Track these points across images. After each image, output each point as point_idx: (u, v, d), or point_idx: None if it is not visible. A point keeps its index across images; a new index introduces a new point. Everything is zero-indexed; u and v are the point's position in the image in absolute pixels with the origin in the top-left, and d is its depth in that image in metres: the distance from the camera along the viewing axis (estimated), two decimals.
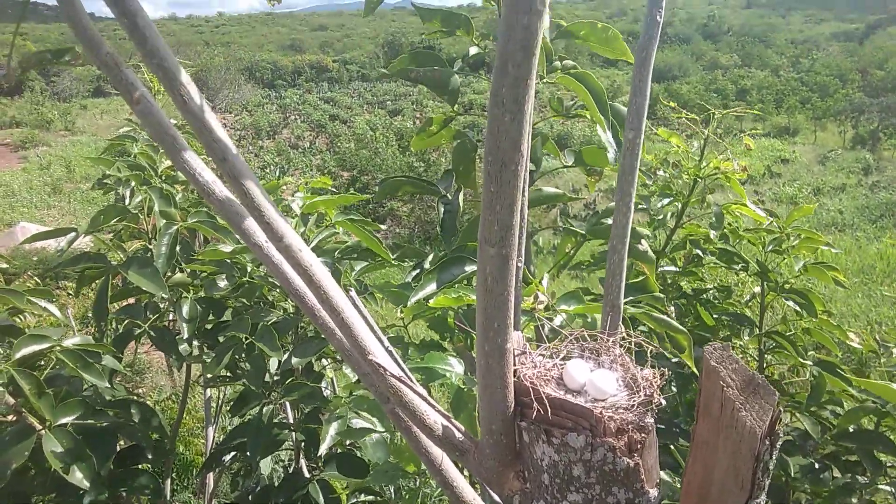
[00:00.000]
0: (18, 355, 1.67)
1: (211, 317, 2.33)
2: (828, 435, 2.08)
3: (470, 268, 1.43)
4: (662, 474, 1.94)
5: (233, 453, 2.32)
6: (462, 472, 1.04)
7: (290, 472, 2.38)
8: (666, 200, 2.40)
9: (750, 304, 2.80)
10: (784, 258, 2.37)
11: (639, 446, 0.81)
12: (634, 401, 0.83)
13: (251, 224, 0.82)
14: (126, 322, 2.25)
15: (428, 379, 1.35)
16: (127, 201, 2.39)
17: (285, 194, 2.73)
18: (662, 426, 2.15)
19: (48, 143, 20.81)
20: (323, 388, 2.37)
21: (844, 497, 1.96)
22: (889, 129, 23.16)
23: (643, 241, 1.72)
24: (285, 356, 2.04)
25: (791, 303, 2.33)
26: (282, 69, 43.39)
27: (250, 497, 2.37)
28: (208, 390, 3.50)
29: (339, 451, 2.43)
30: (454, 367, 1.38)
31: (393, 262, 2.10)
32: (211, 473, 3.19)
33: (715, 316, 2.45)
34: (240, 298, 2.31)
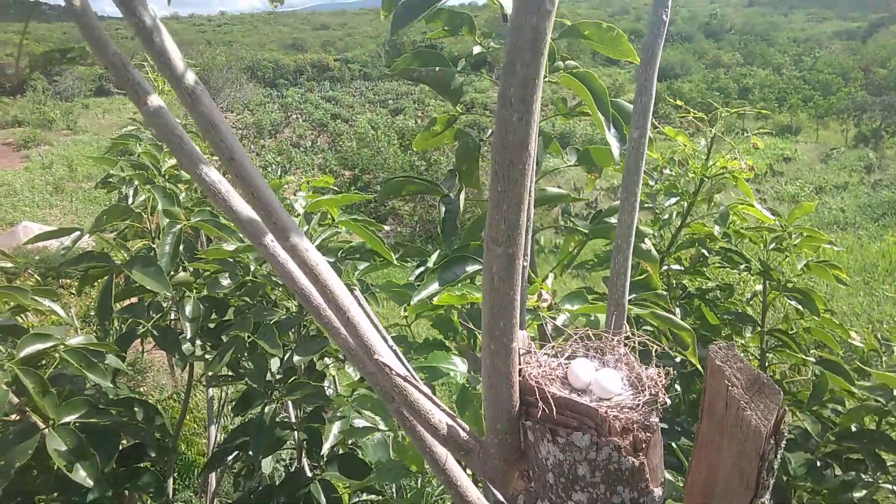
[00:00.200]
0: (22, 354, 1.67)
1: (214, 316, 2.33)
2: (829, 434, 2.08)
3: (472, 267, 1.43)
4: (665, 473, 1.94)
5: (235, 452, 2.32)
6: (464, 471, 1.04)
7: (292, 471, 2.38)
8: (672, 200, 2.39)
9: (751, 302, 2.80)
10: (786, 257, 2.37)
11: (644, 445, 0.81)
12: (639, 400, 0.83)
13: (257, 223, 0.82)
14: (129, 321, 2.26)
15: (431, 378, 1.35)
16: (130, 200, 2.39)
17: (287, 193, 2.74)
18: (665, 425, 2.15)
19: (50, 142, 20.84)
20: (325, 388, 2.38)
21: (845, 495, 1.96)
22: (891, 127, 23.13)
23: (646, 239, 1.72)
24: (287, 355, 2.04)
25: (793, 301, 2.33)
26: (283, 68, 43.44)
27: (252, 496, 2.38)
28: (210, 389, 3.51)
29: (340, 451, 2.44)
30: (458, 366, 1.38)
31: (396, 262, 2.10)
32: (213, 472, 3.19)
33: (717, 315, 2.45)
34: (242, 297, 2.31)
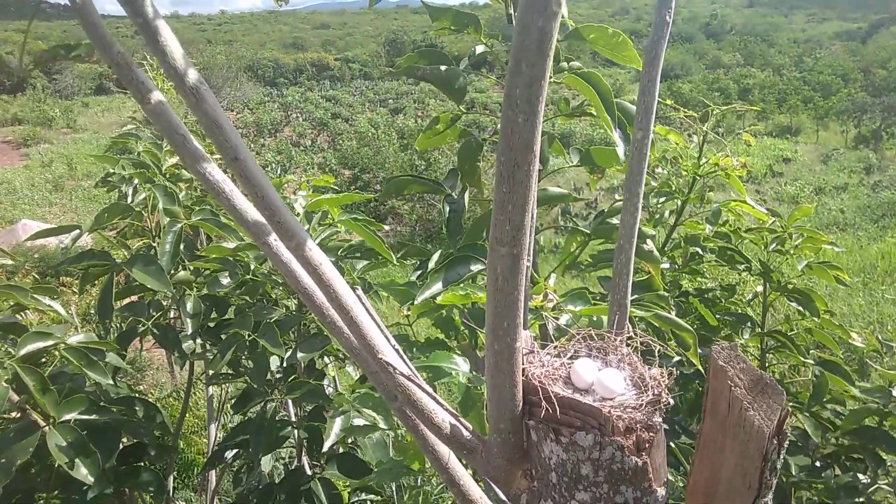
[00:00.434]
0: (23, 352, 1.67)
1: (214, 314, 2.33)
2: (830, 434, 2.08)
3: (476, 267, 1.43)
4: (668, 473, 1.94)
5: (235, 450, 2.32)
6: (467, 470, 1.04)
7: (292, 469, 2.38)
8: (665, 198, 2.39)
9: (752, 303, 2.80)
10: (786, 258, 2.37)
11: (647, 445, 0.81)
12: (642, 400, 0.83)
13: (261, 223, 0.82)
14: (129, 319, 2.26)
15: (434, 377, 1.35)
16: (130, 199, 2.39)
17: (287, 192, 2.74)
18: (665, 425, 2.15)
19: (50, 140, 20.84)
20: (325, 386, 2.38)
21: (845, 496, 1.96)
22: (891, 128, 23.16)
23: (648, 240, 1.72)
24: (288, 353, 2.04)
25: (793, 302, 2.33)
26: (283, 67, 43.43)
27: (252, 494, 2.38)
28: (210, 388, 3.51)
29: (341, 450, 2.44)
30: (460, 366, 1.38)
31: (395, 263, 2.11)
32: (213, 470, 3.19)
33: (717, 315, 2.45)
34: (243, 296, 2.31)
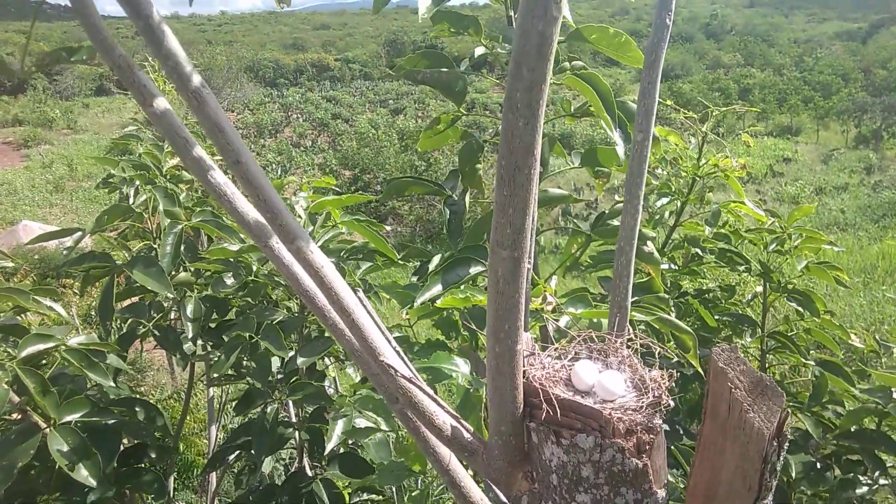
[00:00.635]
0: (23, 354, 1.67)
1: (215, 316, 2.33)
2: (829, 435, 2.08)
3: (475, 269, 1.43)
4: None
5: (237, 452, 2.32)
6: (467, 472, 1.04)
7: (293, 470, 2.39)
8: (665, 199, 2.39)
9: (751, 303, 2.80)
10: (786, 258, 2.37)
11: (647, 447, 0.81)
12: (643, 402, 0.83)
13: (263, 225, 0.83)
14: (130, 321, 2.26)
15: (434, 379, 1.35)
16: (131, 200, 2.39)
17: (288, 193, 2.74)
18: (665, 427, 2.15)
19: (50, 141, 20.85)
20: (326, 388, 2.38)
21: (845, 496, 1.96)
22: (892, 128, 23.16)
23: (649, 242, 1.72)
24: (290, 355, 2.04)
25: (793, 303, 2.33)
26: (284, 68, 43.44)
27: (252, 496, 2.38)
28: (211, 389, 3.51)
29: (342, 450, 2.44)
30: (460, 368, 1.38)
31: (399, 262, 2.11)
32: (213, 472, 3.19)
33: (717, 316, 2.45)
34: (244, 298, 2.31)
